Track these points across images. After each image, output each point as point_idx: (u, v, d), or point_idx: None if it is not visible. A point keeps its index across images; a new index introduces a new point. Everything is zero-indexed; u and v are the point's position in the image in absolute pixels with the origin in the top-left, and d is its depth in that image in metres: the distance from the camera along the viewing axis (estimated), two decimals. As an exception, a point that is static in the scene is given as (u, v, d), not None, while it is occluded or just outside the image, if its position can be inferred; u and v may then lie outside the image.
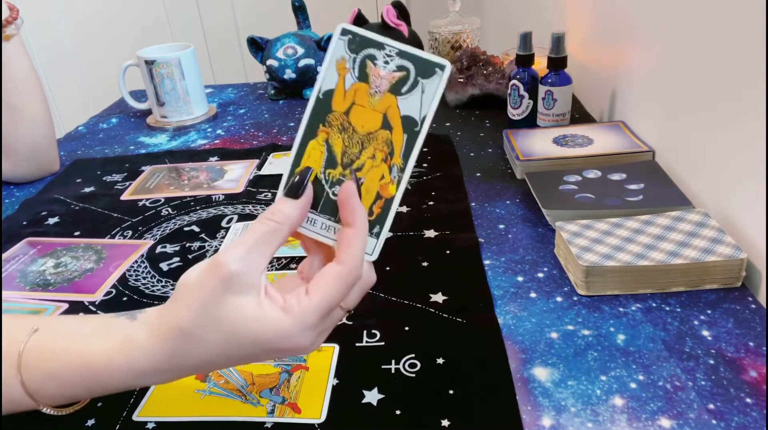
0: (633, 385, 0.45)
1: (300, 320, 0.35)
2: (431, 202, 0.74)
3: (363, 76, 0.38)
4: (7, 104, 0.81)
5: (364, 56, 0.38)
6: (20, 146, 0.85)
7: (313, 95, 0.39)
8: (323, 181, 0.39)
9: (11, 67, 0.81)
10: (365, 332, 0.52)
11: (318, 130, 0.39)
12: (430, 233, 0.67)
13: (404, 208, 0.73)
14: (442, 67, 0.36)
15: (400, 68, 0.37)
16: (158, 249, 0.68)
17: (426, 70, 0.37)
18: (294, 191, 0.37)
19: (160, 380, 0.37)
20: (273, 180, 0.84)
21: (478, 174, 0.81)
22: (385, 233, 0.38)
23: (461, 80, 1.04)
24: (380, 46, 0.37)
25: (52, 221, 0.76)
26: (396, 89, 0.37)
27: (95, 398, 0.47)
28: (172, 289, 0.61)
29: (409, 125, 0.37)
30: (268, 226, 0.36)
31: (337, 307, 0.36)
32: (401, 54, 0.37)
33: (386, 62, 0.37)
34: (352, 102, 0.38)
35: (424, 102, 0.37)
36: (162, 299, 0.59)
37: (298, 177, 0.37)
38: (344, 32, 0.38)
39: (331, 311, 0.36)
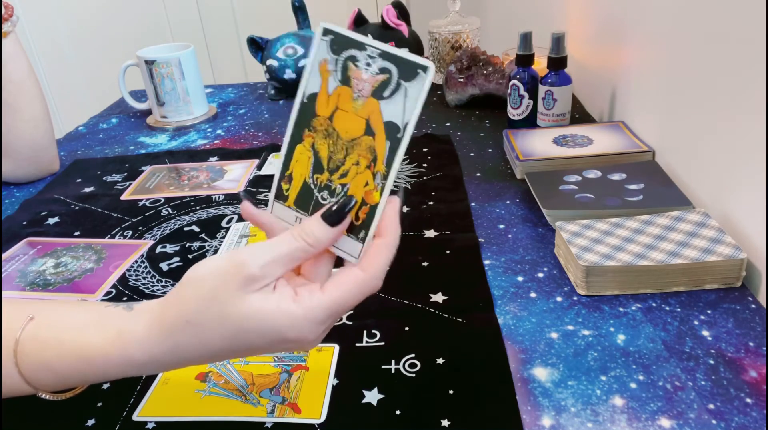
0: (633, 385, 0.45)
1: (310, 312, 0.35)
2: (431, 202, 0.74)
3: (345, 80, 0.36)
4: (5, 103, 0.81)
5: (346, 58, 0.36)
6: (19, 146, 0.85)
7: (297, 99, 0.38)
8: (312, 186, 0.39)
9: (8, 65, 0.80)
10: (365, 332, 0.52)
11: (304, 134, 0.38)
12: (430, 233, 0.67)
13: (404, 208, 0.73)
14: (425, 69, 0.34)
15: (382, 71, 0.35)
16: (158, 249, 0.68)
17: (409, 72, 0.35)
18: (333, 218, 0.36)
19: (158, 370, 0.37)
20: (273, 180, 0.84)
21: (478, 174, 0.81)
22: (370, 239, 0.37)
23: (461, 80, 1.04)
24: (362, 46, 0.36)
25: (52, 221, 0.76)
26: (378, 93, 0.36)
27: (95, 397, 0.47)
28: (172, 289, 0.61)
29: (392, 132, 0.36)
30: (300, 244, 0.36)
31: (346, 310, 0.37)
32: (383, 55, 0.35)
33: (368, 64, 0.36)
34: (336, 106, 0.37)
35: (407, 107, 0.35)
36: (162, 299, 0.59)
37: (339, 205, 0.36)
38: (326, 32, 0.36)
39: (341, 313, 0.36)
